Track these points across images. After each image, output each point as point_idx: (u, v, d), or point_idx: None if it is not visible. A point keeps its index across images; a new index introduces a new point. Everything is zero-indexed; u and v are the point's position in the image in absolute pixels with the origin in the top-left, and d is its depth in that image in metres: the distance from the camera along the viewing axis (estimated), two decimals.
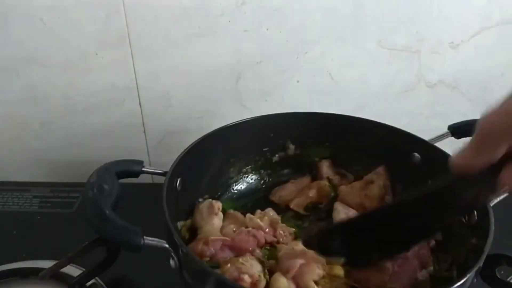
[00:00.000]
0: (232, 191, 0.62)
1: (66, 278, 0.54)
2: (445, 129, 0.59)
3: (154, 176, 0.51)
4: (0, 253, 0.60)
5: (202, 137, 0.55)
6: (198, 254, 0.47)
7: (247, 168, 0.63)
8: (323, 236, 0.50)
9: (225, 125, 0.58)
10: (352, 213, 0.56)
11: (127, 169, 0.48)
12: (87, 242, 0.54)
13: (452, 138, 0.57)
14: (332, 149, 0.62)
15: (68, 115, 0.76)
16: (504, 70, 0.72)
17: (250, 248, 0.49)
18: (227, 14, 0.66)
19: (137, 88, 0.73)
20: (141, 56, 0.70)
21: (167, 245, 0.40)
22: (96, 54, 0.70)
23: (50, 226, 0.66)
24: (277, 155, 0.63)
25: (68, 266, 0.53)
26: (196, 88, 0.73)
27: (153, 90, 0.73)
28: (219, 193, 0.60)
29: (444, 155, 0.51)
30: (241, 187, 0.63)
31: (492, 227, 0.43)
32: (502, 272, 0.54)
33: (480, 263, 0.40)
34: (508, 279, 0.56)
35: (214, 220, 0.52)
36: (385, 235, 0.44)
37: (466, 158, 0.34)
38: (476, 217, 0.45)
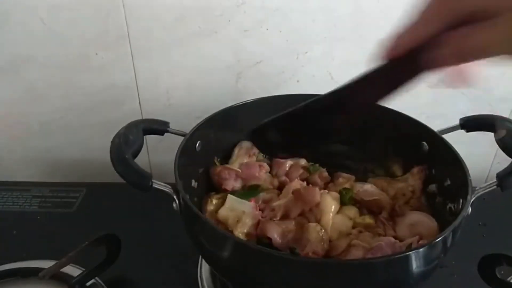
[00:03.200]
0: None
1: (66, 278, 0.54)
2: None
3: None
4: (0, 253, 0.61)
5: (224, 109, 0.59)
6: (216, 174, 0.58)
7: None
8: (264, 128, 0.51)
9: (248, 100, 0.61)
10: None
11: (153, 127, 0.55)
12: (87, 242, 0.54)
13: (462, 131, 0.58)
14: (347, 133, 0.63)
15: (68, 114, 0.76)
16: (505, 69, 0.72)
17: (256, 174, 0.58)
18: (227, 14, 0.66)
19: (137, 88, 0.73)
20: (141, 55, 0.70)
21: (170, 190, 0.46)
22: (96, 54, 0.70)
23: (50, 226, 0.67)
24: None
25: (68, 266, 0.53)
26: (196, 87, 0.73)
27: (153, 90, 0.74)
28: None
29: (449, 148, 0.53)
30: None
31: (466, 211, 0.44)
32: (502, 272, 0.55)
33: (446, 233, 0.42)
34: (508, 279, 0.56)
35: (246, 159, 0.61)
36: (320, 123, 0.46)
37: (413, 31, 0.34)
38: (461, 205, 0.47)
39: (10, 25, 0.67)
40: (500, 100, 0.72)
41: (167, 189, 0.46)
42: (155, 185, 0.46)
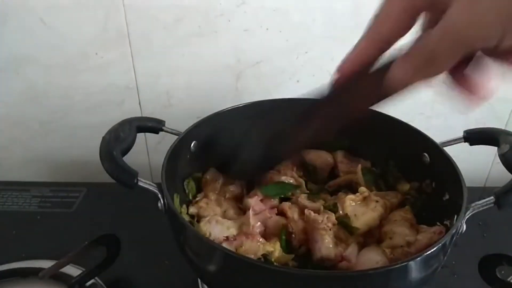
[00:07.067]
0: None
1: (65, 278, 0.54)
2: (447, 130, 0.58)
3: None
4: (0, 253, 0.61)
5: (220, 111, 0.58)
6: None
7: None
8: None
9: (248, 102, 0.60)
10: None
11: (147, 124, 0.55)
12: (86, 242, 0.55)
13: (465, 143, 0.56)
14: (350, 140, 0.63)
15: (68, 115, 0.76)
16: (504, 70, 0.72)
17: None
18: (227, 14, 0.66)
19: (137, 88, 0.73)
20: (141, 55, 0.70)
21: (156, 189, 0.46)
22: (96, 54, 0.70)
23: (50, 226, 0.67)
24: None
25: (67, 266, 0.53)
26: (196, 87, 0.73)
27: (153, 90, 0.74)
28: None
29: (449, 162, 0.51)
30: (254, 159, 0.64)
31: (456, 228, 0.44)
32: (503, 272, 0.55)
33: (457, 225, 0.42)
34: (508, 279, 0.56)
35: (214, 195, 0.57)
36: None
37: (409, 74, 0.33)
38: (448, 196, 0.48)
39: (10, 25, 0.67)
40: (500, 100, 0.72)
41: (152, 187, 0.46)
42: (140, 183, 0.45)
